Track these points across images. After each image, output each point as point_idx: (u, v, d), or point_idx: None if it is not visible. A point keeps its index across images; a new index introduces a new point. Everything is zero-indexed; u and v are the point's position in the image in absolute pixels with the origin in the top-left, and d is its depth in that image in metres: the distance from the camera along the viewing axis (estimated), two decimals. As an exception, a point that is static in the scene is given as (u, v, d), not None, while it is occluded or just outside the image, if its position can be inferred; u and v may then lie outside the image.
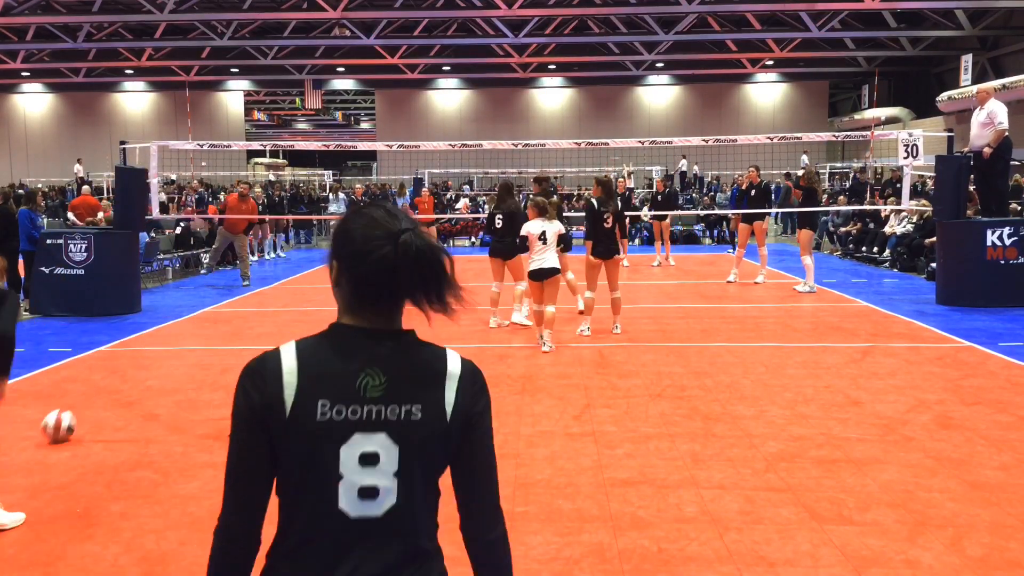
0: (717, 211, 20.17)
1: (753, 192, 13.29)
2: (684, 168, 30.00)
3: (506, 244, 9.58)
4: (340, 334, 1.56)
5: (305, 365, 1.52)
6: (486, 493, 1.62)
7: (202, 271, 15.76)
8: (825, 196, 24.70)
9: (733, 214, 16.35)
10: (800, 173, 16.10)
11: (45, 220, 21.60)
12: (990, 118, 10.79)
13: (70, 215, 15.12)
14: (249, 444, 1.54)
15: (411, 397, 1.53)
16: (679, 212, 16.21)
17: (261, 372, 1.54)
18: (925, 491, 4.60)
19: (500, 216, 9.73)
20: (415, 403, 1.53)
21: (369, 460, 1.51)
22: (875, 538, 4.02)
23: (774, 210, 14.09)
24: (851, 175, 27.38)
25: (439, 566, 1.59)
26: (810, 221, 12.66)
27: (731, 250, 16.64)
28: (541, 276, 8.33)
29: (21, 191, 19.24)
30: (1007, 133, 10.80)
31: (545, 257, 8.32)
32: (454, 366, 1.59)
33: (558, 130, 35.90)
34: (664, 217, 16.17)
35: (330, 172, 36.88)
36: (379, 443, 1.51)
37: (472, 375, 1.61)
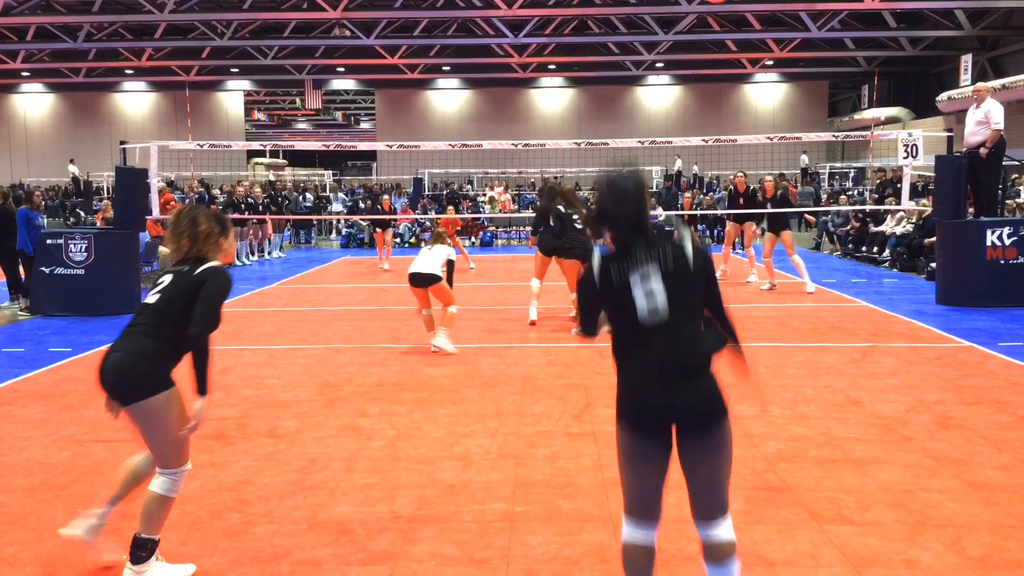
0: (718, 211, 20.13)
1: (741, 200, 13.34)
2: (680, 168, 29.96)
3: (556, 240, 9.71)
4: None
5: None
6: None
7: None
8: (825, 196, 24.75)
9: (724, 214, 16.33)
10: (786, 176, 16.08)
11: (45, 220, 21.63)
12: (987, 117, 10.82)
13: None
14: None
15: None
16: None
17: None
18: (925, 491, 4.60)
19: (553, 214, 9.98)
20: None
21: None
22: (875, 538, 4.02)
23: (767, 210, 14.01)
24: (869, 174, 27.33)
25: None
26: (786, 223, 12.90)
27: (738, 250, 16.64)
28: (419, 282, 8.27)
29: (22, 191, 19.20)
30: (1001, 133, 10.85)
31: (421, 261, 8.31)
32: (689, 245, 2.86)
33: (558, 130, 35.90)
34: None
35: (330, 172, 36.88)
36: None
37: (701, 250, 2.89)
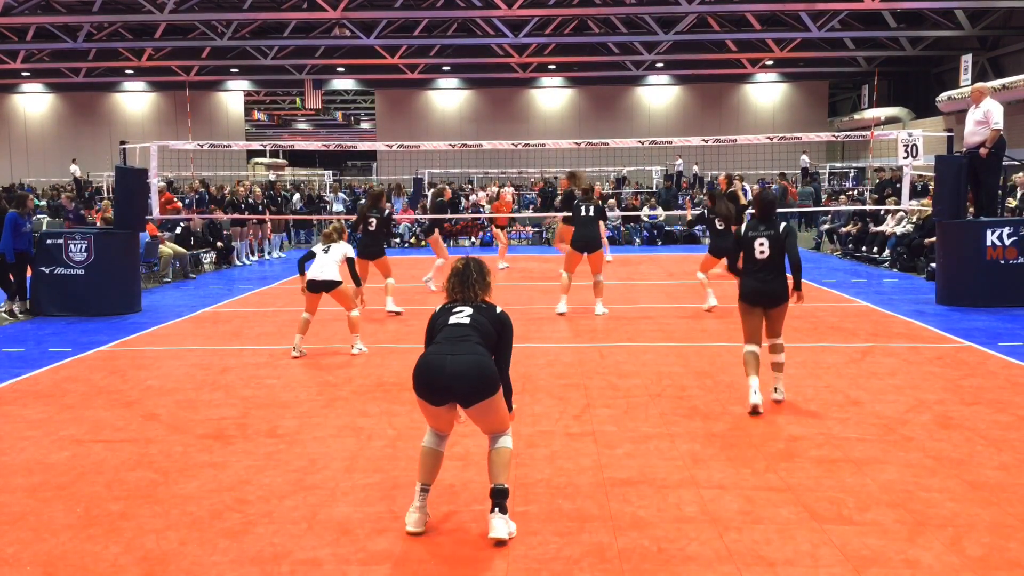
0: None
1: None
2: (681, 168, 29.95)
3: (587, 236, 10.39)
4: None
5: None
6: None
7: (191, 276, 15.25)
8: (825, 196, 24.75)
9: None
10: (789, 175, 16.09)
11: (45, 221, 21.60)
12: (987, 117, 10.80)
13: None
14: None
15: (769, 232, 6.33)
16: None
17: None
18: (925, 491, 4.60)
19: (584, 208, 10.55)
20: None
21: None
22: (875, 538, 4.02)
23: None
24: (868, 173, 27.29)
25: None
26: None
27: None
28: (318, 288, 8.24)
29: (21, 191, 19.09)
30: (1001, 133, 10.83)
31: (320, 267, 8.23)
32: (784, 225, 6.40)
33: (558, 130, 35.88)
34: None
35: (330, 172, 36.87)
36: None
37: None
